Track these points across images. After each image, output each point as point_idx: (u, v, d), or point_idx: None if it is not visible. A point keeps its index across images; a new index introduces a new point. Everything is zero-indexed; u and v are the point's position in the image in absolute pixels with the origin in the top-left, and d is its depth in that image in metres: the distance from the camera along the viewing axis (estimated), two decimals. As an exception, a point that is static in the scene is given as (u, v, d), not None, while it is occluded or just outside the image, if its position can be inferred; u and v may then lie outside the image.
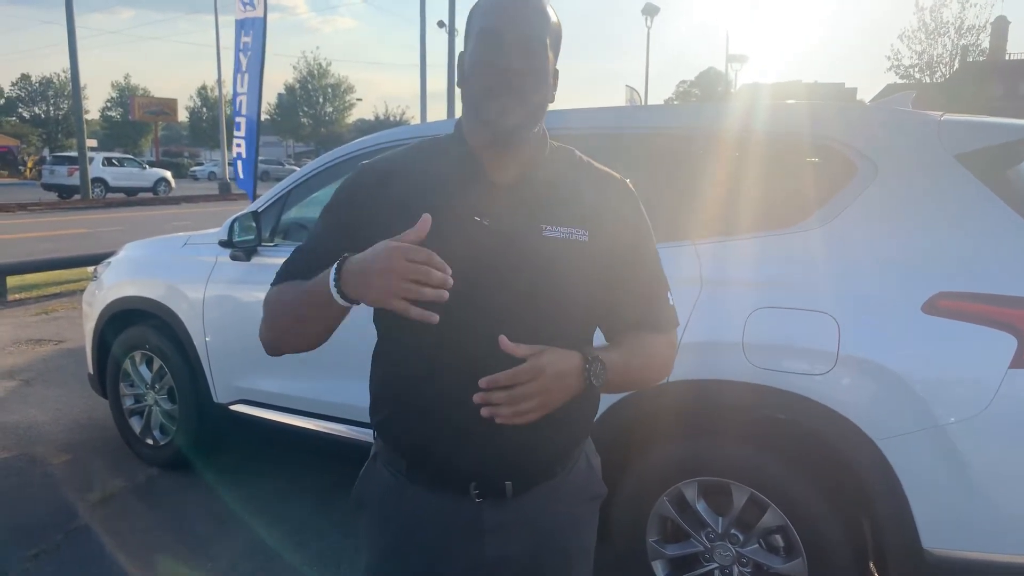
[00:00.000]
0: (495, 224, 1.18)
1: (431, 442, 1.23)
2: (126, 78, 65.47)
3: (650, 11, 32.15)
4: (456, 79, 1.24)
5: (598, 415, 1.38)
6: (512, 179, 1.22)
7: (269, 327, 1.25)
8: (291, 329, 1.22)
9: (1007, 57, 53.66)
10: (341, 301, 1.08)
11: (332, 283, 1.07)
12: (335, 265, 1.09)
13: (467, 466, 1.22)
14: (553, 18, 1.20)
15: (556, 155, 1.27)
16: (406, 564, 1.29)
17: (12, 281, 8.12)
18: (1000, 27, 53.04)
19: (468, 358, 1.14)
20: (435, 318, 1.02)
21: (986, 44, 53.19)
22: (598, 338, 1.33)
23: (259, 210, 3.29)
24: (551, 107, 1.25)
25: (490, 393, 1.08)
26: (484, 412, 1.09)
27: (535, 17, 1.17)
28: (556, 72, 1.22)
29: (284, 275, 1.26)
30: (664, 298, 1.32)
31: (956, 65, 52.69)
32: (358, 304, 1.09)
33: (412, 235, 1.03)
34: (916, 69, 53.42)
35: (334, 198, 1.29)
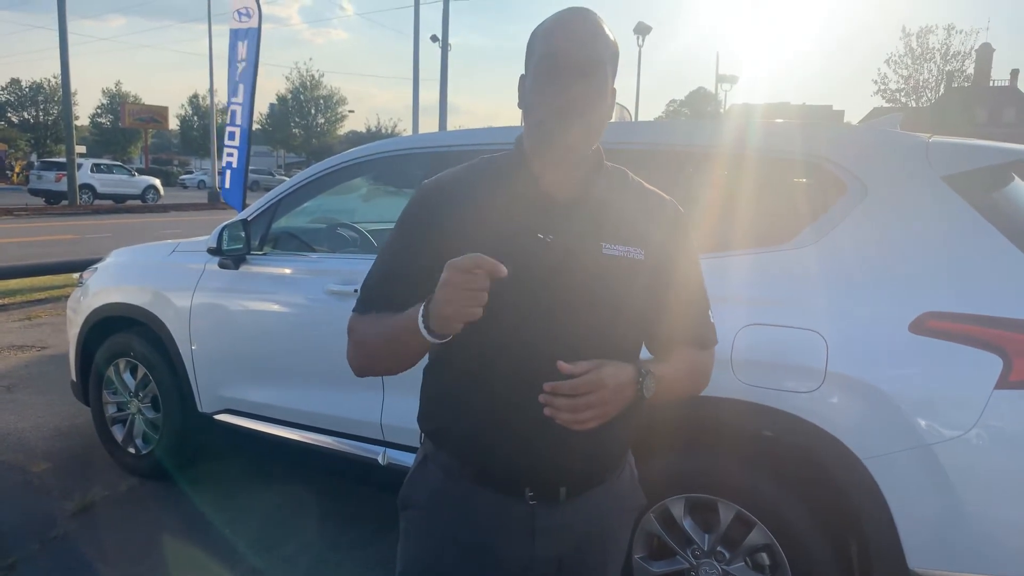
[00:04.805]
0: (557, 241, 1.23)
1: (489, 449, 1.27)
2: (117, 85, 65.07)
3: (642, 30, 32.43)
4: (517, 100, 1.28)
5: None
6: (571, 196, 1.27)
7: (361, 354, 1.31)
8: (385, 359, 1.29)
9: (991, 83, 54.58)
10: (432, 339, 1.14)
11: (421, 324, 1.13)
12: (422, 306, 1.14)
13: (524, 472, 1.27)
14: (611, 37, 1.23)
15: (610, 174, 1.32)
16: (455, 560, 1.32)
17: (-4, 286, 8.05)
18: (985, 54, 53.98)
19: (527, 369, 1.18)
20: (503, 271, 1.06)
21: (971, 70, 54.17)
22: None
23: (249, 218, 3.28)
24: None
25: (553, 396, 1.12)
26: (546, 411, 1.13)
27: (595, 40, 1.20)
28: (614, 91, 1.26)
29: (367, 302, 1.31)
30: (707, 316, 1.38)
31: (941, 90, 53.52)
32: (447, 339, 1.14)
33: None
34: (902, 93, 54.30)
35: (403, 219, 1.32)
